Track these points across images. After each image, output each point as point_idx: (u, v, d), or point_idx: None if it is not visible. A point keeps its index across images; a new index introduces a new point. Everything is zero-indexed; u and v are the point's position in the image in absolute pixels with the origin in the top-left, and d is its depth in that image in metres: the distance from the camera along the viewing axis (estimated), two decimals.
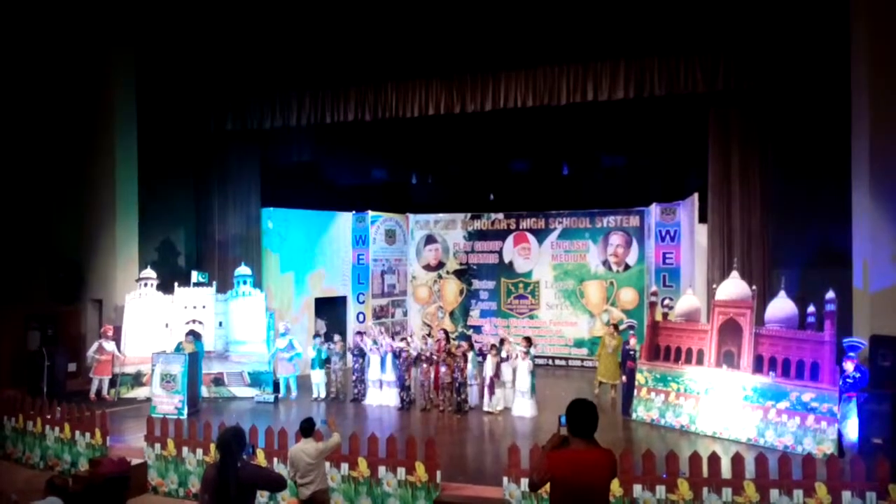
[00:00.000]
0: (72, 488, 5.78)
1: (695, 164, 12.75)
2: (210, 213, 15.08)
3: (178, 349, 12.10)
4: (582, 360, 16.01)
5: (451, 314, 17.47)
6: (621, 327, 13.89)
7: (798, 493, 6.61)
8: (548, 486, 4.02)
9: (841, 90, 10.59)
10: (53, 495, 5.44)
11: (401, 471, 7.47)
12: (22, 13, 13.19)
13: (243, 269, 13.73)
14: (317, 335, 13.77)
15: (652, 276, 14.91)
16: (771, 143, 11.66)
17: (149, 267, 13.74)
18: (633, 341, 11.74)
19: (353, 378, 12.72)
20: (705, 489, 6.76)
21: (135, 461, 8.53)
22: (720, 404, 10.06)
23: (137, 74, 14.38)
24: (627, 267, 15.93)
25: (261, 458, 7.91)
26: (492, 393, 11.67)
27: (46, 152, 13.95)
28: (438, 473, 7.41)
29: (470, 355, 11.96)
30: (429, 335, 12.87)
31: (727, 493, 6.72)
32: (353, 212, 17.05)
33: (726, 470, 6.89)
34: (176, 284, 13.49)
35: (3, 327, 12.86)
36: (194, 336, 12.69)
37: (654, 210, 14.93)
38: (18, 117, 13.36)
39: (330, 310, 16.16)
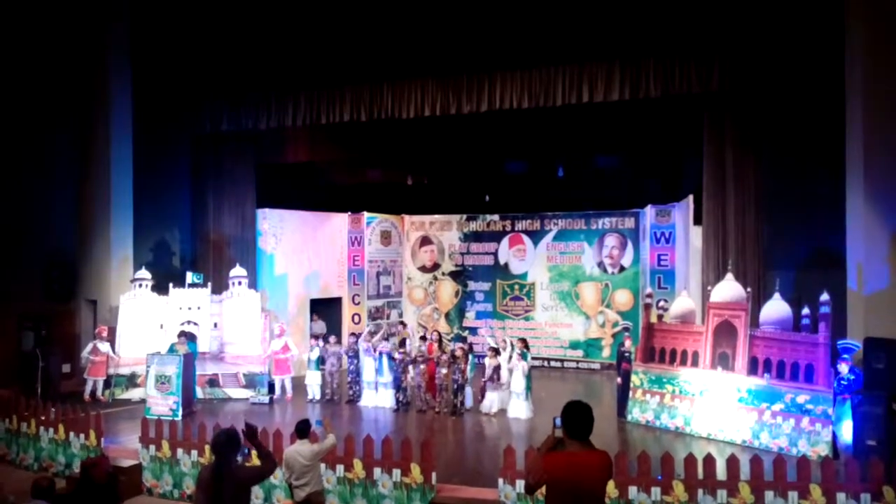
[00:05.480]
0: (63, 489, 5.67)
1: (690, 166, 12.77)
2: (205, 213, 15.03)
3: (172, 350, 12.07)
4: (577, 361, 16.02)
5: (447, 316, 17.46)
6: (616, 329, 13.87)
7: (793, 495, 6.64)
8: (543, 487, 4.03)
9: (835, 92, 10.60)
10: (39, 498, 5.29)
11: (396, 472, 7.46)
12: (17, 8, 13.16)
13: (238, 270, 13.69)
14: (315, 337, 13.72)
15: (647, 277, 14.94)
16: (765, 145, 11.69)
17: (143, 267, 13.67)
18: (628, 343, 11.74)
19: (349, 379, 12.70)
20: (700, 491, 6.78)
21: (129, 462, 8.51)
22: (715, 406, 10.08)
23: (133, 74, 14.34)
24: (622, 269, 15.94)
25: (255, 460, 7.87)
26: (482, 395, 11.67)
27: (41, 151, 13.91)
28: (434, 475, 7.42)
29: (469, 357, 11.95)
30: (423, 337, 12.86)
31: (722, 494, 6.74)
32: (349, 213, 17.04)
33: (721, 472, 6.90)
34: (171, 285, 13.45)
35: None
36: (187, 337, 12.65)
37: (649, 212, 14.95)
38: (13, 115, 13.31)
39: (325, 311, 16.14)
